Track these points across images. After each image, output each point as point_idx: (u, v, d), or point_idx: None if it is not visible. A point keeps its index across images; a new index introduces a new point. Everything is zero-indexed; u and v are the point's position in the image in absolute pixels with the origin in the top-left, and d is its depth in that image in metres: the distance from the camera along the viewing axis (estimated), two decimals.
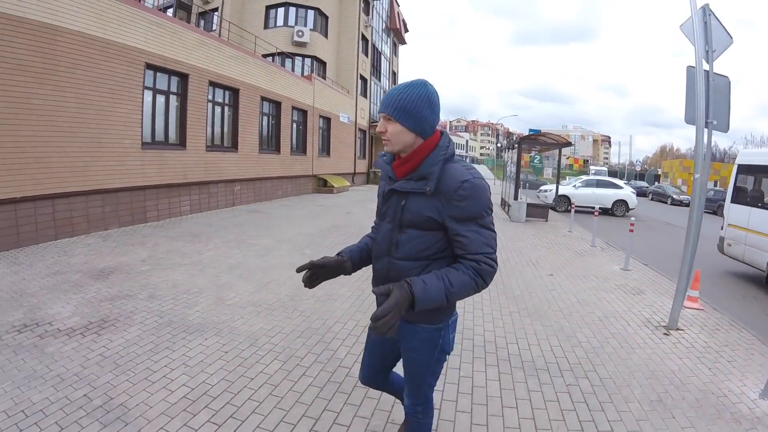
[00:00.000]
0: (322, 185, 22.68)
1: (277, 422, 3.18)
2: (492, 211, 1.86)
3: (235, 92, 15.67)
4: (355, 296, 6.12)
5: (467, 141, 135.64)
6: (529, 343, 4.66)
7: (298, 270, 2.02)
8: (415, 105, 1.78)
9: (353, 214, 14.33)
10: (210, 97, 14.28)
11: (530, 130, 23.15)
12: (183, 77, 12.91)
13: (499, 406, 3.41)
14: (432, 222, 1.81)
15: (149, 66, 11.44)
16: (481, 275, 1.77)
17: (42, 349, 4.26)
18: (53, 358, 4.08)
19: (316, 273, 2.05)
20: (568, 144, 17.00)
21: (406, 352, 2.08)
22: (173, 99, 12.82)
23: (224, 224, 11.74)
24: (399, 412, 3.20)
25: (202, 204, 13.92)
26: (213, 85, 14.38)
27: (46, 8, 8.63)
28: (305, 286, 2.07)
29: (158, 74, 12.00)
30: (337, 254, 2.15)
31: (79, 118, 9.35)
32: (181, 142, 12.89)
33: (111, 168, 10.18)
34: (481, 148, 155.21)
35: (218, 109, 15.06)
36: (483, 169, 70.40)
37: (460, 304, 5.44)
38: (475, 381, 3.79)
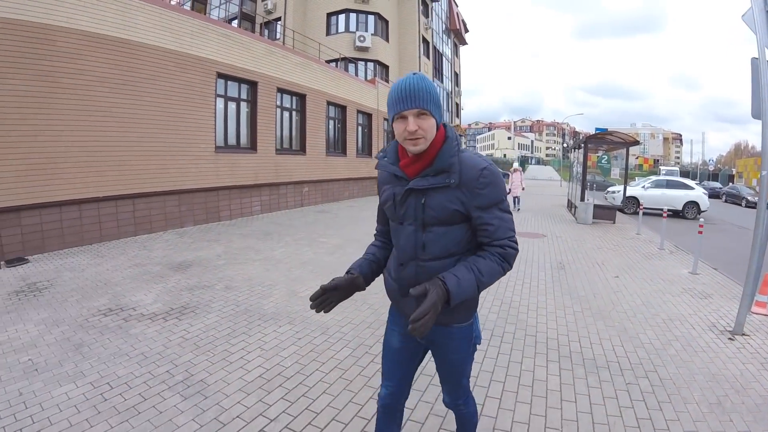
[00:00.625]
0: None
1: (346, 402, 3.46)
2: (506, 196, 1.85)
3: (302, 98, 16.33)
4: None
5: (532, 141, 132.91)
6: (591, 342, 4.70)
7: (312, 299, 1.89)
8: (438, 95, 1.74)
9: None
10: (278, 102, 15.01)
11: (597, 129, 22.40)
12: (252, 85, 13.69)
13: (558, 399, 3.50)
14: (458, 215, 1.78)
15: (220, 75, 12.26)
16: (507, 259, 1.78)
17: (126, 331, 4.75)
18: (137, 339, 4.55)
19: (330, 297, 1.92)
20: (636, 143, 16.42)
21: (445, 355, 2.04)
22: (244, 105, 13.60)
23: (294, 224, 12.30)
24: None
25: (272, 204, 14.65)
26: (281, 91, 15.07)
27: (123, 25, 9.55)
28: (317, 311, 1.91)
29: (229, 82, 12.82)
30: (347, 272, 2.03)
31: (158, 125, 10.22)
32: (252, 146, 13.69)
33: (187, 170, 11.03)
34: (547, 148, 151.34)
35: (286, 114, 15.78)
36: (549, 171, 67.70)
37: (521, 303, 5.84)
38: (536, 375, 3.90)
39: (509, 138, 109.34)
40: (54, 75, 8.53)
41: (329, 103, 18.26)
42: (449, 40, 41.34)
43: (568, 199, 19.44)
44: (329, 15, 27.51)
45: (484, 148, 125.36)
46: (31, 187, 8.26)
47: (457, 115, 44.78)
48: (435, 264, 1.82)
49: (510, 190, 17.12)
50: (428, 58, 33.31)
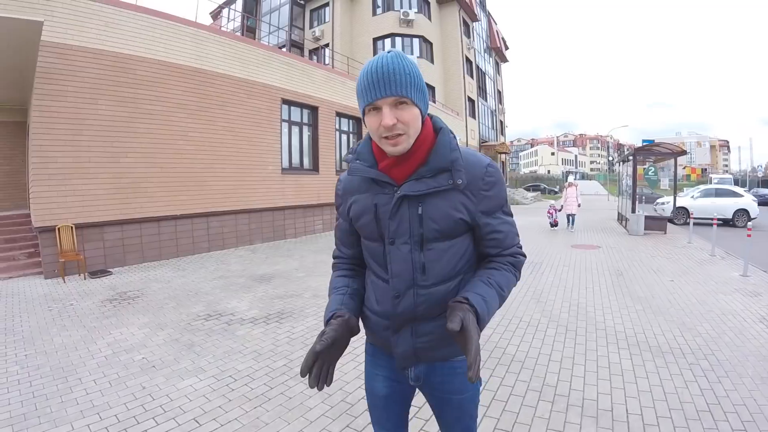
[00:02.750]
0: None
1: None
2: None
3: (358, 121, 16.98)
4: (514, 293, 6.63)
5: (576, 156, 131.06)
6: (654, 333, 5.06)
7: (305, 371, 1.32)
8: (420, 78, 1.37)
9: None
10: (337, 126, 15.74)
11: (644, 141, 22.04)
12: (314, 109, 14.50)
13: (632, 376, 3.96)
14: (462, 225, 1.44)
15: (285, 101, 13.09)
16: (518, 268, 1.53)
17: (233, 333, 5.18)
18: (246, 339, 4.98)
19: (325, 360, 1.37)
20: (683, 153, 16.36)
21: (447, 397, 1.61)
22: (306, 129, 14.38)
23: None
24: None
25: (333, 223, 15.08)
26: (339, 115, 15.80)
27: (197, 56, 10.44)
28: (319, 388, 1.36)
29: (292, 108, 13.63)
30: (331, 317, 1.47)
31: (230, 148, 10.97)
32: (315, 167, 14.45)
33: (256, 190, 11.75)
34: (591, 162, 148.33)
35: (344, 137, 16.48)
36: (595, 185, 65.62)
37: (587, 303, 6.17)
38: (611, 359, 4.34)
39: (553, 153, 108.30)
40: (135, 101, 9.34)
41: None
42: (491, 59, 41.71)
43: (618, 212, 19.29)
44: (375, 40, 28.27)
45: (527, 165, 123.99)
46: (114, 204, 9.10)
47: (502, 132, 44.87)
48: (439, 289, 1.46)
49: (562, 207, 15.79)
50: (472, 77, 33.68)
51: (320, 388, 1.36)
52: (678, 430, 3.06)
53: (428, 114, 1.47)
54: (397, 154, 1.38)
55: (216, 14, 34.53)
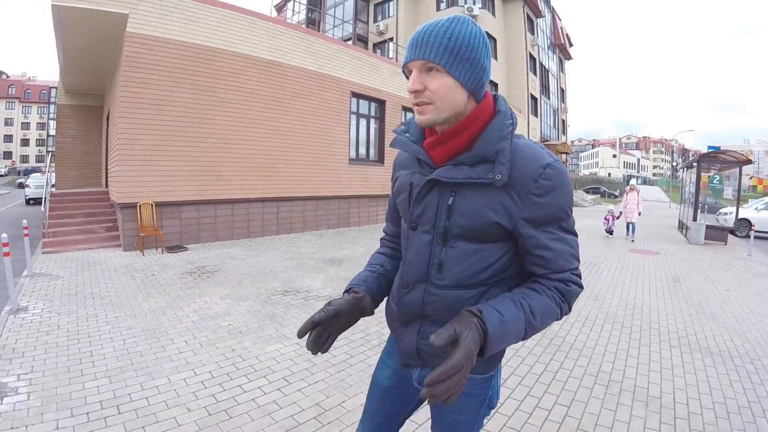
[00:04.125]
0: None
1: (509, 357, 4.15)
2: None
3: None
4: None
5: (639, 159, 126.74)
6: (705, 336, 5.16)
7: (300, 335, 1.29)
8: (472, 46, 1.18)
9: None
10: (403, 119, 15.80)
11: (709, 147, 21.05)
12: (381, 103, 14.84)
13: (682, 371, 4.15)
14: (498, 230, 1.23)
15: (354, 94, 13.49)
16: (568, 299, 1.26)
17: (310, 307, 5.47)
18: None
19: (327, 329, 1.34)
20: (749, 162, 15.63)
21: (445, 414, 1.44)
22: (373, 122, 14.74)
23: None
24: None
25: None
26: (405, 109, 15.99)
27: (272, 49, 10.94)
28: (313, 352, 1.33)
29: (361, 101, 14.01)
30: (347, 290, 1.46)
31: (301, 138, 11.39)
32: (380, 159, 14.83)
33: (325, 179, 12.17)
34: (654, 167, 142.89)
35: None
36: (656, 191, 62.73)
37: (643, 304, 6.22)
38: (662, 355, 4.52)
39: (614, 156, 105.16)
40: (214, 90, 9.79)
41: None
42: (554, 56, 40.84)
43: (679, 220, 18.68)
44: None
45: (587, 166, 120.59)
46: (192, 185, 9.68)
47: (564, 132, 43.90)
48: (453, 294, 1.29)
49: (620, 213, 14.18)
50: (535, 74, 33.12)
51: (314, 353, 1.32)
52: (719, 421, 3.25)
53: (495, 94, 1.32)
54: (423, 124, 1.24)
55: (281, 7, 35.23)
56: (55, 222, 10.32)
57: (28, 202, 23.60)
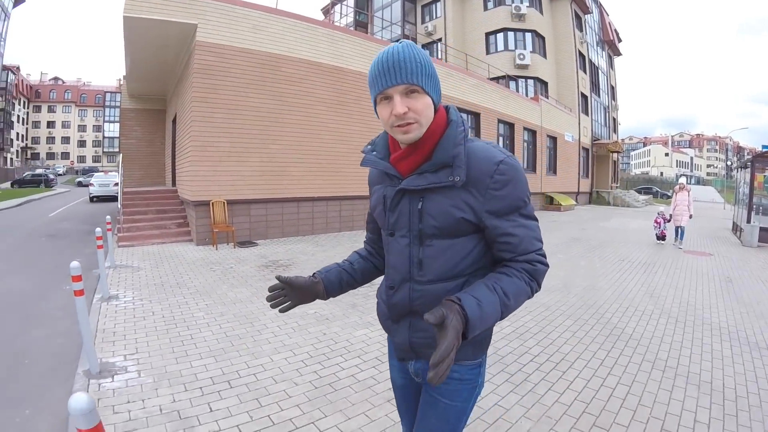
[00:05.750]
0: (549, 203, 23.36)
1: (570, 349, 4.49)
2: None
3: (476, 116, 17.56)
4: (613, 288, 7.06)
5: (692, 158, 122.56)
6: (754, 332, 5.30)
7: (270, 289, 1.62)
8: (431, 66, 1.35)
9: (587, 230, 14.74)
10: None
11: (764, 147, 20.26)
12: None
13: (731, 362, 4.37)
14: (466, 224, 1.37)
15: None
16: (536, 278, 1.39)
17: None
18: None
19: (287, 293, 1.62)
20: None
21: (436, 400, 1.53)
22: None
23: None
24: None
25: None
26: (459, 110, 15.98)
27: (334, 54, 11.50)
28: (272, 306, 1.63)
29: None
30: (313, 274, 1.70)
31: (363, 139, 11.93)
32: None
33: None
34: (708, 166, 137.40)
35: None
36: (710, 192, 58.03)
37: (696, 302, 6.39)
38: (713, 347, 4.73)
39: (666, 154, 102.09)
40: (282, 95, 10.34)
41: (499, 121, 19.32)
42: (603, 53, 40.03)
43: (734, 222, 18.13)
44: (487, 34, 28.26)
45: (638, 165, 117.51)
46: (261, 185, 10.29)
47: (615, 130, 42.96)
48: (436, 287, 1.42)
49: (671, 216, 12.54)
50: (585, 72, 32.60)
51: (273, 307, 1.63)
52: (763, 404, 3.48)
53: (445, 105, 1.46)
54: (408, 142, 1.36)
55: (327, 10, 35.73)
56: (128, 218, 11.03)
57: (92, 200, 24.73)
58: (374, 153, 1.51)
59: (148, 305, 5.77)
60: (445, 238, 1.39)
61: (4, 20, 32.52)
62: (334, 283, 1.70)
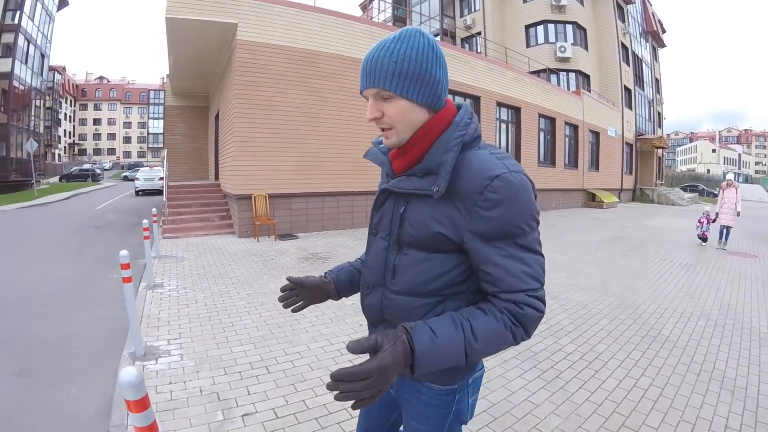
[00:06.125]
0: (591, 200, 22.88)
1: (604, 349, 4.50)
2: (538, 223, 1.22)
3: (516, 110, 17.41)
4: (652, 288, 6.93)
5: (740, 155, 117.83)
6: None
7: (282, 290, 1.58)
8: (419, 62, 1.17)
9: (629, 228, 14.43)
10: (497, 115, 16.29)
11: None
12: (476, 99, 15.13)
13: None
14: (443, 240, 1.21)
15: (449, 91, 13.64)
16: (522, 323, 1.16)
17: None
18: None
19: (298, 293, 1.56)
20: None
21: (408, 420, 1.44)
22: None
23: None
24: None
25: None
26: (499, 105, 16.29)
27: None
28: (284, 306, 1.58)
29: (456, 98, 14.33)
30: (324, 274, 1.63)
31: None
32: None
33: None
34: (756, 163, 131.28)
35: (503, 126, 17.02)
36: (758, 191, 53.87)
37: (737, 305, 6.23)
38: (752, 351, 4.63)
39: (713, 151, 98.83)
40: (319, 91, 10.51)
41: (540, 116, 19.04)
42: (647, 44, 38.83)
43: None
44: (527, 27, 27.81)
45: (684, 162, 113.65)
46: (300, 179, 10.50)
47: (659, 125, 41.68)
48: (405, 300, 1.29)
49: (717, 215, 11.59)
50: (628, 64, 31.73)
51: (285, 307, 1.59)
52: None
53: (458, 104, 1.32)
54: (390, 147, 1.29)
55: (365, 5, 35.79)
56: (173, 211, 11.40)
57: (137, 193, 25.59)
58: (381, 146, 1.41)
59: (191, 293, 6.00)
60: (421, 251, 1.25)
61: (49, 23, 33.85)
62: (344, 282, 1.63)
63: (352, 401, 1.02)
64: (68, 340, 4.54)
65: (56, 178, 43.23)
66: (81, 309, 5.50)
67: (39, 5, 30.94)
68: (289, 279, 1.56)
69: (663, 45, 43.51)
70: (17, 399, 3.41)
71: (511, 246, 1.15)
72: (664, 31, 43.15)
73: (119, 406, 3.16)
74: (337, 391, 1.00)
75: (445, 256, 1.22)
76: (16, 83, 27.75)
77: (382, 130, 1.24)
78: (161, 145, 77.50)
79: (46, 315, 5.29)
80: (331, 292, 1.60)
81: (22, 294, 6.10)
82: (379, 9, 33.45)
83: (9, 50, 27.05)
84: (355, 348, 1.04)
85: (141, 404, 1.54)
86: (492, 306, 1.16)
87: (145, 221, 6.77)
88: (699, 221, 11.75)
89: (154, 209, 9.02)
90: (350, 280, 1.63)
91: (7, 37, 26.89)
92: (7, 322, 5.04)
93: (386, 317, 1.34)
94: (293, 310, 1.58)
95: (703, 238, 11.65)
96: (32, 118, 32.43)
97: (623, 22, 31.27)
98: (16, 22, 27.23)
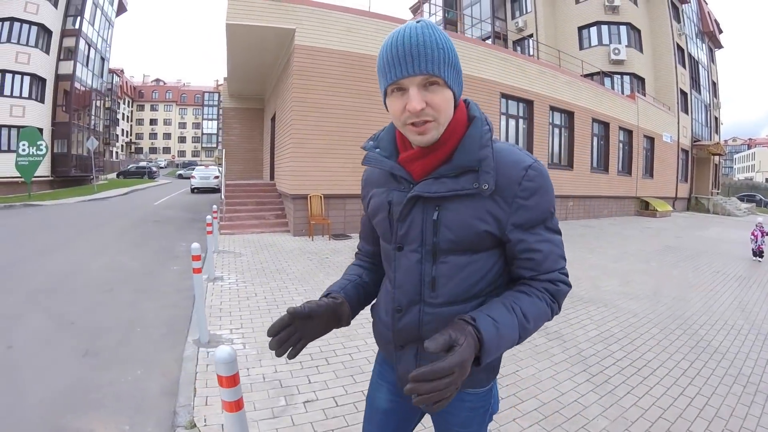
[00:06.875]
0: (644, 208, 22.29)
1: (653, 357, 4.52)
2: None
3: (570, 115, 17.24)
4: (704, 300, 6.80)
5: None
6: None
7: (271, 333, 1.17)
8: (455, 53, 1.14)
9: (683, 239, 14.06)
10: (550, 120, 16.22)
11: None
12: (529, 103, 15.17)
13: None
14: (489, 238, 1.19)
15: (503, 95, 13.96)
16: (557, 299, 1.23)
17: None
18: None
19: (299, 330, 1.21)
20: None
21: (449, 427, 1.40)
22: (521, 122, 15.17)
23: (566, 234, 13.05)
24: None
25: None
26: (552, 109, 16.20)
27: None
28: (277, 353, 1.19)
29: (509, 101, 14.47)
30: (324, 295, 1.38)
31: None
32: None
33: None
34: None
35: (556, 131, 16.87)
36: None
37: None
38: None
39: None
40: (371, 94, 10.82)
41: (594, 120, 18.74)
42: (703, 45, 37.27)
43: None
44: (580, 29, 27.35)
45: (742, 170, 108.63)
46: (354, 181, 10.62)
47: (716, 131, 39.99)
48: (448, 311, 1.23)
49: None
50: (684, 67, 30.61)
51: (279, 355, 1.19)
52: None
53: (464, 99, 1.26)
54: (424, 144, 1.17)
55: (416, 9, 35.94)
56: (230, 209, 11.87)
57: (192, 191, 26.52)
58: (378, 150, 1.31)
59: (250, 287, 6.31)
60: (463, 254, 1.20)
61: (109, 28, 35.55)
62: (354, 300, 1.43)
63: (436, 402, 0.97)
64: (132, 326, 4.85)
65: (114, 175, 45.19)
66: (143, 297, 5.87)
67: (98, 11, 32.47)
68: (290, 312, 1.18)
69: (720, 46, 41.84)
70: (84, 378, 3.66)
71: (544, 230, 1.20)
72: (720, 32, 41.49)
73: (186, 387, 3.42)
74: (419, 394, 0.95)
75: (487, 254, 1.21)
76: (77, 85, 29.15)
77: (414, 125, 1.12)
78: (215, 145, 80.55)
79: (110, 302, 5.65)
80: (344, 315, 1.34)
81: (86, 282, 6.53)
82: (429, 12, 33.53)
83: (71, 53, 28.41)
84: (435, 347, 0.97)
85: (232, 380, 1.70)
86: (532, 288, 1.20)
87: (208, 217, 7.11)
88: (753, 234, 10.85)
89: (214, 206, 9.44)
90: (358, 297, 1.45)
91: (69, 41, 28.29)
92: (74, 306, 5.41)
93: (425, 335, 1.23)
94: (290, 356, 1.22)
95: (759, 253, 10.68)
96: (92, 117, 33.94)
97: (678, 22, 30.22)
98: (76, 27, 28.66)
